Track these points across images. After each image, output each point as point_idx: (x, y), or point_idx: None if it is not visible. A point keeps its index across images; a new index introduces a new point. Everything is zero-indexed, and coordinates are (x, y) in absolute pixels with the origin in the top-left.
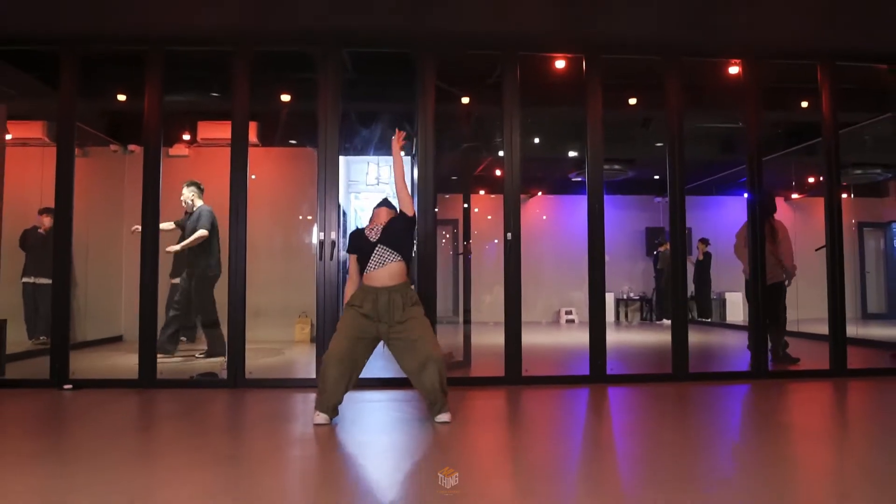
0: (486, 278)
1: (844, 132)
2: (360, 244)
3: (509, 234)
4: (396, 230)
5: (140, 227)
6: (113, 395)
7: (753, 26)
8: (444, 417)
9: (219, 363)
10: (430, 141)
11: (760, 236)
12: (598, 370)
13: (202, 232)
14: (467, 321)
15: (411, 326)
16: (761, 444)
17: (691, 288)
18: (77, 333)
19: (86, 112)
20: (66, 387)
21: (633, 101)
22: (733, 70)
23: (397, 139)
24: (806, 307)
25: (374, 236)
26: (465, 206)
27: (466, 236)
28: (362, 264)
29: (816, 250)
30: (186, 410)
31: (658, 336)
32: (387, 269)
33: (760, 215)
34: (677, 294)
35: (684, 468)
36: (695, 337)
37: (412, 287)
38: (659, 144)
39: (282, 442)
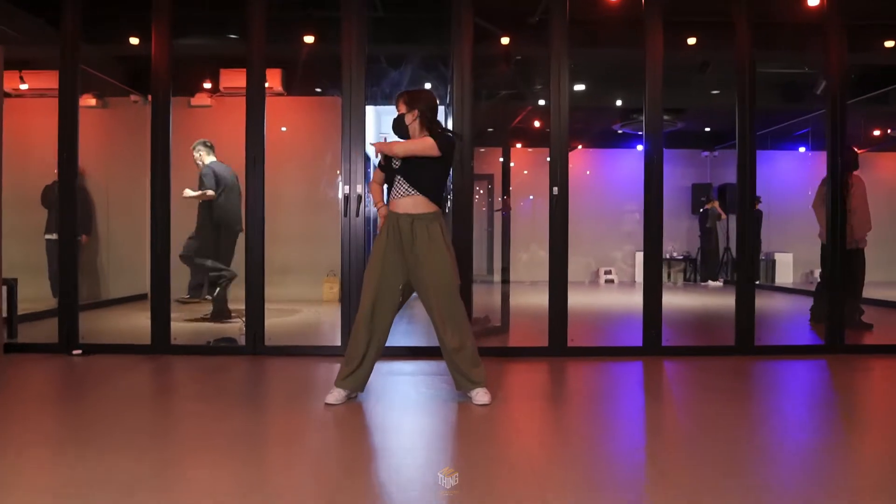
0: (523, 236)
1: None
2: (385, 165)
3: (555, 189)
4: (423, 165)
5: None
6: (124, 362)
7: None
8: (479, 398)
9: (237, 327)
10: (468, 87)
11: (840, 195)
12: (652, 341)
13: (210, 192)
14: (505, 280)
15: (432, 266)
16: (836, 430)
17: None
18: (101, 291)
19: (103, 60)
20: (75, 352)
21: (692, 40)
22: (813, 2)
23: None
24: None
25: (396, 161)
26: (503, 160)
27: (505, 192)
28: (388, 182)
29: None
30: (199, 385)
31: (707, 299)
32: (409, 199)
33: (842, 171)
34: (744, 258)
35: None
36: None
37: (441, 222)
38: (715, 91)
39: (298, 426)
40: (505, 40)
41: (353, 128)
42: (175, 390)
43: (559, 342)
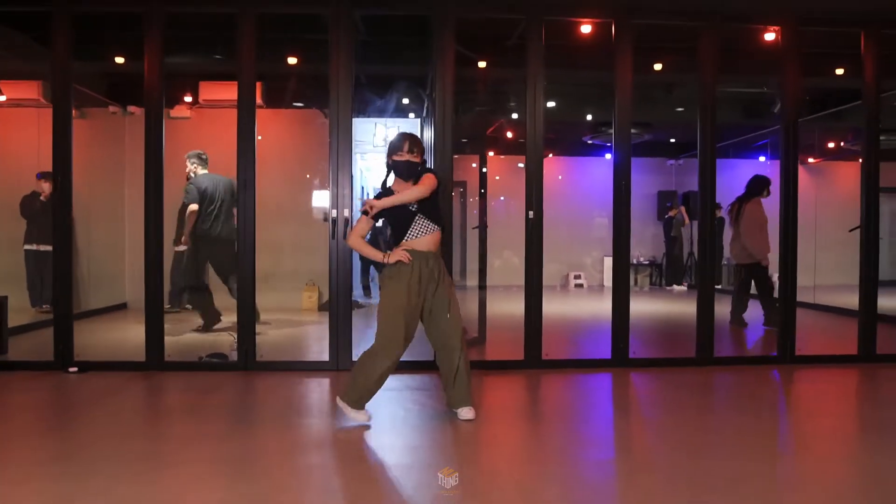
0: (495, 241)
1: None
2: (393, 211)
3: (531, 213)
4: (433, 201)
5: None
6: (120, 380)
7: None
8: (466, 413)
9: (228, 343)
10: (449, 106)
11: (793, 208)
12: (619, 354)
13: (192, 207)
14: (482, 286)
15: (448, 297)
16: (801, 447)
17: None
18: (80, 302)
19: (83, 73)
20: (71, 369)
21: (658, 66)
22: (770, 36)
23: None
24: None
25: (413, 205)
26: (483, 169)
27: (483, 209)
28: (398, 235)
29: (850, 231)
30: (196, 402)
31: (672, 305)
32: (431, 237)
33: (794, 185)
34: (705, 269)
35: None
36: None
37: None
38: (680, 109)
39: (299, 446)
40: (482, 64)
41: (341, 147)
42: (172, 412)
43: (534, 355)
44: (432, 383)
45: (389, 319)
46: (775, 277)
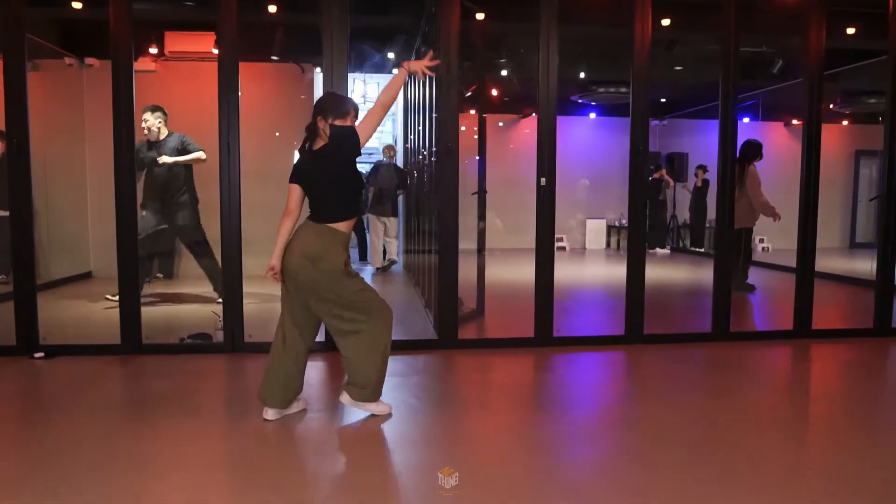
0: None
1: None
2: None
3: (543, 180)
4: None
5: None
6: (94, 366)
7: None
8: (373, 408)
9: (212, 322)
10: (455, 65)
11: (815, 171)
12: (634, 329)
13: (201, 154)
14: (480, 250)
15: None
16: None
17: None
18: (41, 271)
19: (34, 19)
20: (37, 355)
21: (666, 21)
22: None
23: (421, 65)
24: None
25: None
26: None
27: (481, 175)
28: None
29: (871, 200)
30: (184, 391)
31: (660, 271)
32: None
33: (817, 144)
34: (722, 243)
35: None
36: (690, 271)
37: None
38: (679, 68)
39: (306, 440)
40: (480, 16)
41: None
42: (158, 404)
43: (545, 332)
44: (430, 364)
45: (376, 296)
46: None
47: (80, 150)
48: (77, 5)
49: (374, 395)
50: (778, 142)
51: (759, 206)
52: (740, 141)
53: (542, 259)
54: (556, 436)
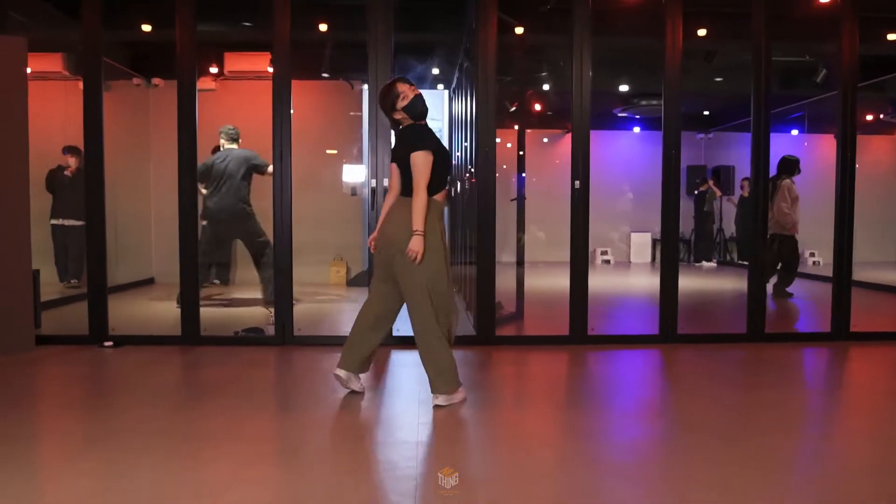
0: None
1: None
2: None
3: (577, 183)
4: None
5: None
6: (157, 355)
7: None
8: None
9: (265, 317)
10: (492, 79)
11: (850, 181)
12: (668, 329)
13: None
14: (520, 263)
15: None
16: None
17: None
18: (109, 276)
19: (106, 43)
20: (106, 344)
21: (702, 31)
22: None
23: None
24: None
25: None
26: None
27: (519, 180)
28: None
29: None
30: (238, 377)
31: (705, 281)
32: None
33: (851, 156)
34: (757, 244)
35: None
36: (735, 282)
37: None
38: (718, 79)
39: (352, 425)
40: (519, 30)
41: (381, 117)
42: (216, 387)
43: (579, 330)
44: (477, 359)
45: (443, 280)
46: (806, 254)
47: (145, 165)
48: (147, 28)
49: (443, 387)
50: (826, 154)
51: (779, 215)
52: (775, 151)
53: (577, 258)
54: (594, 424)
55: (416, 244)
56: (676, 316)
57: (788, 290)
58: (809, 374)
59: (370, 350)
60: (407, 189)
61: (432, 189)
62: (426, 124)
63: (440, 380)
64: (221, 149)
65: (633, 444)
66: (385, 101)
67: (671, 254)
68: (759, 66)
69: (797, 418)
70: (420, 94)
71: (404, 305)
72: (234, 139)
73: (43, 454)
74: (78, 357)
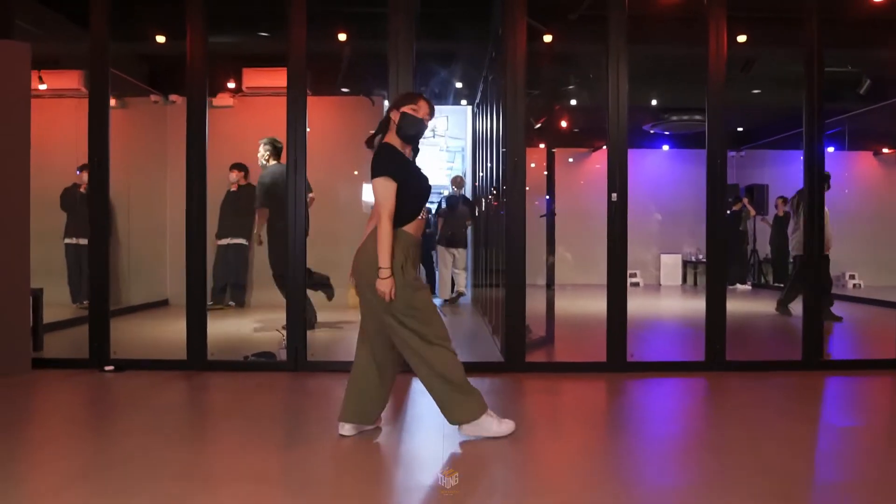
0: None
1: None
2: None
3: (614, 196)
4: None
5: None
6: (157, 380)
7: None
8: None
9: (276, 341)
10: (521, 87)
11: None
12: (715, 355)
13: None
14: (549, 285)
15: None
16: None
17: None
18: (121, 297)
19: (122, 58)
20: (107, 368)
21: (741, 38)
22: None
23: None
24: None
25: None
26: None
27: (550, 195)
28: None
29: None
30: (244, 405)
31: (741, 305)
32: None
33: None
34: (809, 269)
35: None
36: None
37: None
38: (756, 91)
39: (367, 454)
40: (548, 38)
41: None
42: (214, 417)
43: (618, 356)
44: (506, 387)
45: (433, 311)
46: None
47: (161, 183)
48: (160, 39)
49: (467, 417)
50: (866, 173)
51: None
52: (793, 170)
53: (615, 279)
54: (634, 458)
55: (381, 286)
56: (724, 341)
57: (836, 313)
58: (877, 405)
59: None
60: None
61: (400, 219)
62: (396, 147)
63: (458, 408)
64: (264, 162)
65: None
66: (396, 101)
67: (718, 274)
68: (812, 76)
69: (862, 456)
70: (423, 120)
71: None
72: (279, 153)
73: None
74: (74, 382)
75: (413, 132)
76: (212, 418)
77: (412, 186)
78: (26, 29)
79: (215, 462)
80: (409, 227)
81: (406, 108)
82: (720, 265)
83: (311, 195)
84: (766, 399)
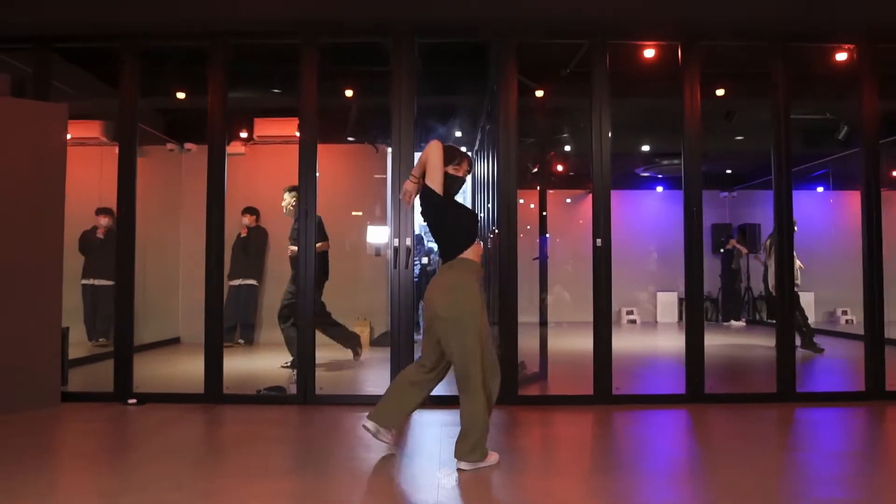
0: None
1: None
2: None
3: (599, 241)
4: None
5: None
6: (178, 413)
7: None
8: (464, 465)
9: (287, 375)
10: (513, 138)
11: (877, 237)
12: (695, 389)
13: (323, 245)
14: (543, 323)
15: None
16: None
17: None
18: (136, 336)
19: (142, 109)
20: (130, 401)
21: (720, 91)
22: (841, 56)
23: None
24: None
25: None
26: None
27: (542, 241)
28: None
29: None
30: (250, 438)
31: (733, 339)
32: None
33: (877, 213)
34: (783, 301)
35: None
36: (765, 340)
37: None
38: (739, 138)
39: (371, 483)
40: (540, 93)
41: (403, 177)
42: (234, 445)
43: (604, 389)
44: (500, 419)
45: (479, 345)
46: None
47: (175, 227)
48: (181, 95)
49: (473, 455)
50: (854, 210)
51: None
52: (800, 208)
53: (601, 317)
54: (626, 488)
55: (405, 185)
56: (703, 375)
57: (819, 345)
58: (846, 435)
59: (408, 407)
60: (443, 253)
61: (460, 244)
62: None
63: (477, 452)
64: (292, 209)
65: None
66: (449, 157)
67: (696, 312)
68: (780, 125)
69: (834, 482)
70: (463, 178)
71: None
72: None
73: None
74: (101, 414)
75: (453, 192)
76: (229, 446)
77: (467, 211)
78: (60, 89)
79: (233, 485)
80: (472, 254)
81: (449, 169)
82: (697, 304)
83: (326, 243)
84: (739, 430)
